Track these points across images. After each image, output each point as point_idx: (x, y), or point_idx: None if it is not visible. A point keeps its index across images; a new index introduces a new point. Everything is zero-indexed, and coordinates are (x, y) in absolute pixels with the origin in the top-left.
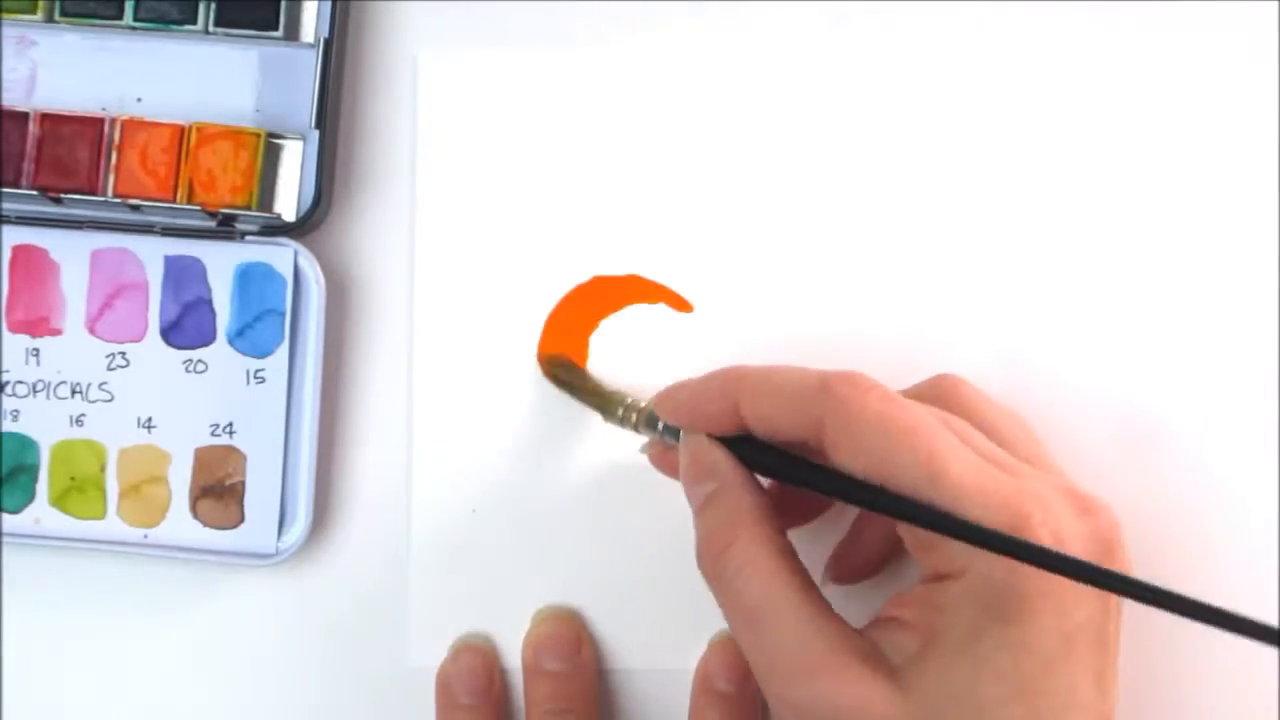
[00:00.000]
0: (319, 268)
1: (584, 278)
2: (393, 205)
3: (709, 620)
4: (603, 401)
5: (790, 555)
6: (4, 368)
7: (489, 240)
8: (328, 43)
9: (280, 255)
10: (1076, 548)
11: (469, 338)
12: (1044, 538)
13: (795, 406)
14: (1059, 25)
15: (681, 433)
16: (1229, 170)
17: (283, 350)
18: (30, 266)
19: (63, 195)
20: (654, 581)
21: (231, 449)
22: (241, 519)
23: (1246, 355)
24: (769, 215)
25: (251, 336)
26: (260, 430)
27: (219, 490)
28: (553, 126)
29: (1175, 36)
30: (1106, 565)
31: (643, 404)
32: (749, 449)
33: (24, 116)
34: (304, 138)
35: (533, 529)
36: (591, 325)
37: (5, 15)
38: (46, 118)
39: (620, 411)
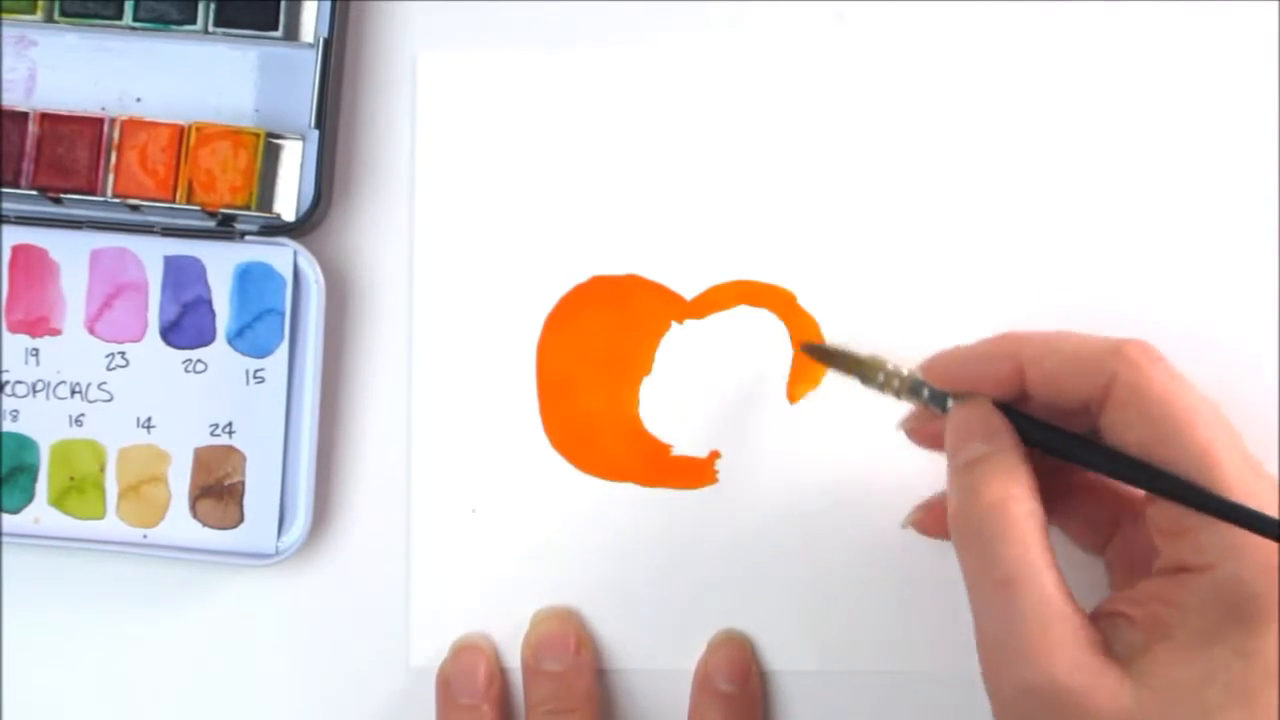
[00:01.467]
0: (318, 268)
1: (583, 278)
2: (392, 205)
3: (709, 620)
4: (862, 368)
5: (1046, 530)
6: (4, 368)
7: (488, 240)
8: (327, 43)
9: (280, 255)
10: None
11: (469, 337)
12: None
13: (1085, 367)
14: (1059, 25)
15: (957, 400)
16: (1229, 170)
17: (282, 350)
18: (30, 266)
19: (62, 195)
20: (654, 582)
21: (231, 449)
22: (241, 519)
23: (1247, 356)
24: (768, 215)
25: (251, 336)
26: (260, 430)
27: (218, 490)
28: (552, 126)
29: (1175, 36)
30: None
31: (905, 370)
32: (1025, 423)
33: (24, 116)
34: (303, 138)
35: (533, 529)
36: (591, 325)
37: (5, 15)
38: (46, 118)
39: (881, 377)
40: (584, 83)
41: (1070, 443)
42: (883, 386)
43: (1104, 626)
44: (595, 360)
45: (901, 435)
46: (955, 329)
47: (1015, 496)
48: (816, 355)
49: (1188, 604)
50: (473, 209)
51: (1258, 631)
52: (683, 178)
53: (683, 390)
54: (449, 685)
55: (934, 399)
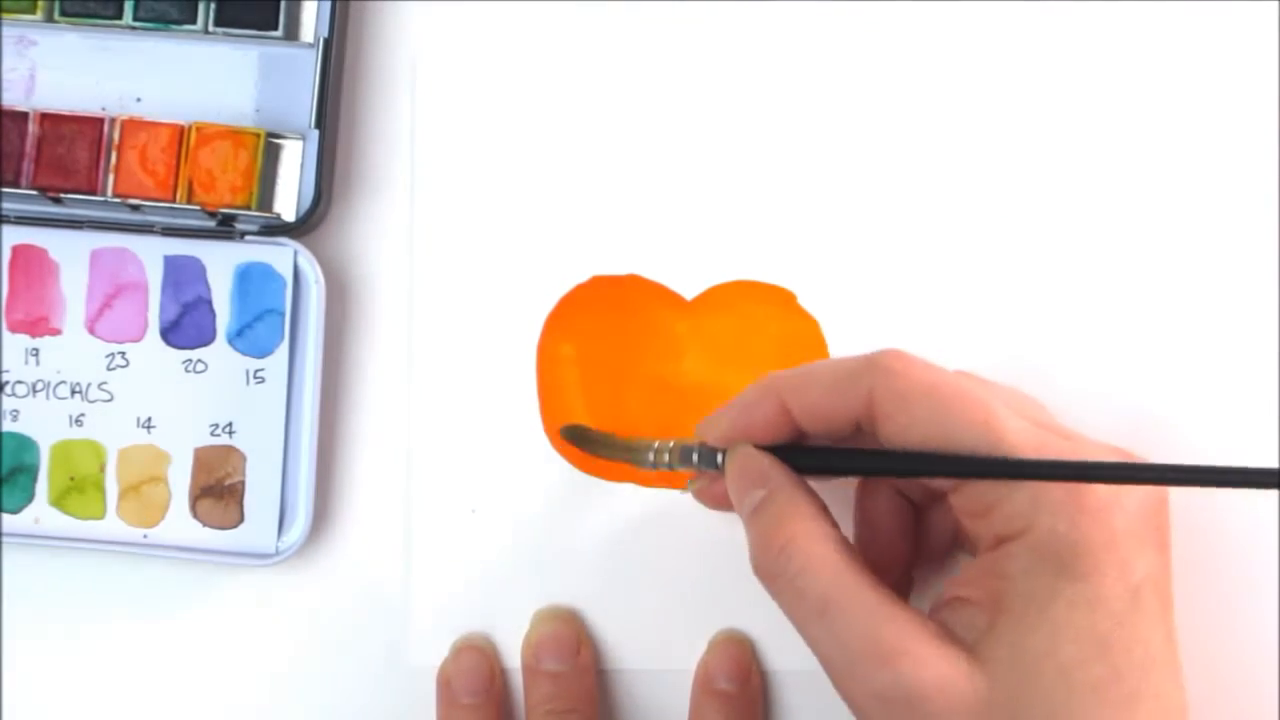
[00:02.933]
0: (319, 267)
1: (583, 278)
2: (392, 205)
3: (709, 620)
4: (632, 452)
5: (849, 547)
6: (4, 368)
7: (488, 240)
8: (327, 43)
9: (280, 255)
10: (1130, 499)
11: (468, 337)
12: (1099, 493)
13: (843, 387)
14: (1059, 25)
15: (727, 450)
16: (1229, 171)
17: (282, 350)
18: (30, 266)
19: (62, 195)
20: (654, 582)
21: (231, 449)
22: (241, 519)
23: (1247, 357)
24: (768, 215)
25: (251, 336)
26: (260, 430)
27: (219, 490)
28: (552, 126)
29: (1175, 36)
30: (1157, 515)
31: (671, 443)
32: (794, 455)
33: (24, 116)
34: (304, 138)
35: (533, 529)
36: (591, 325)
37: (5, 15)
38: (46, 117)
39: (652, 455)
40: (583, 82)
41: (850, 457)
42: (655, 463)
43: (944, 615)
44: (595, 360)
45: (699, 503)
46: (955, 329)
47: (804, 529)
48: (579, 443)
49: (1014, 571)
50: (472, 209)
51: (1089, 578)
52: (683, 178)
53: (682, 391)
54: (450, 685)
55: (703, 460)
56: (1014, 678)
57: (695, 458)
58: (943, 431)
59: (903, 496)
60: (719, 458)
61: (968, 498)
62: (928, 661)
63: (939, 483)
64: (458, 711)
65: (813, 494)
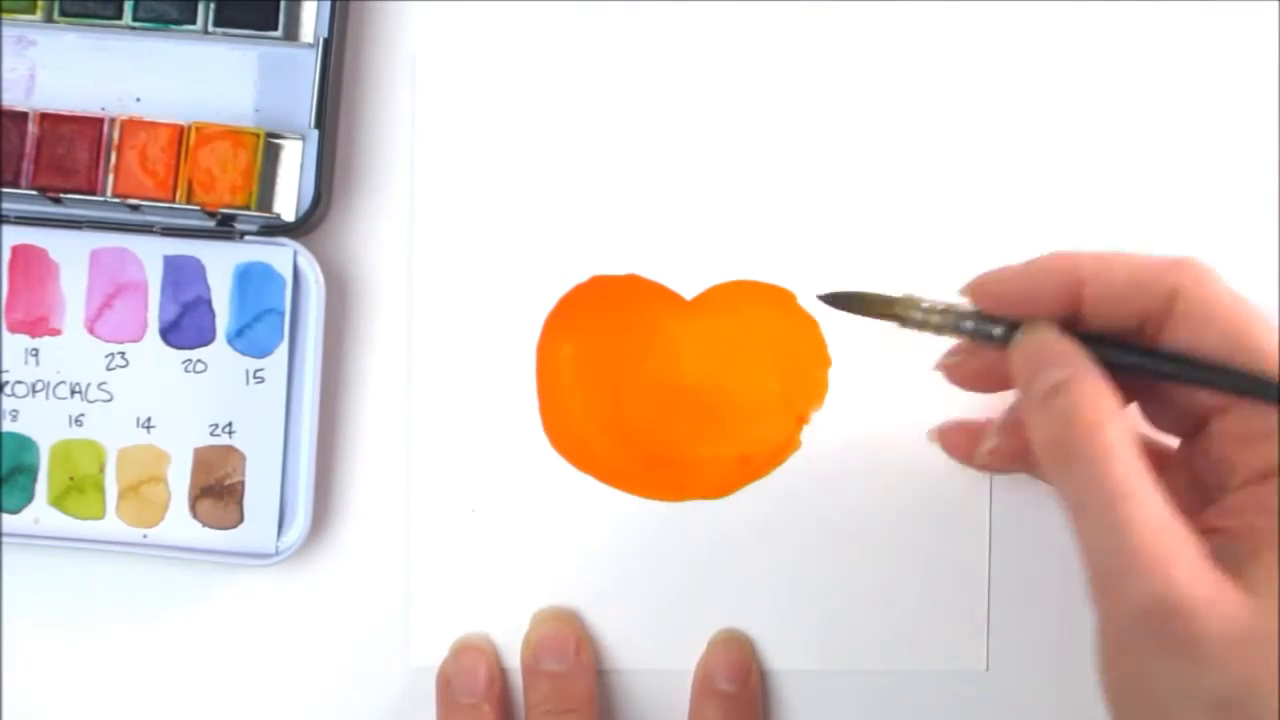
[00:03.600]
0: (318, 267)
1: (583, 278)
2: (392, 205)
3: (709, 620)
4: (897, 308)
5: (1143, 449)
6: (3, 368)
7: (488, 240)
8: (327, 43)
9: (279, 255)
10: None
11: (468, 337)
12: None
13: (1148, 279)
14: (1059, 25)
15: (1023, 325)
16: (1229, 171)
17: (282, 350)
18: (30, 266)
19: (62, 195)
20: (654, 582)
21: (231, 449)
22: (241, 519)
23: None
24: (768, 215)
25: (251, 336)
26: (260, 430)
27: (218, 490)
28: (552, 126)
29: (1175, 36)
30: None
31: (941, 303)
32: (1089, 342)
33: (23, 116)
34: (303, 138)
35: (533, 529)
36: (591, 325)
37: (5, 15)
38: (46, 117)
39: (919, 314)
40: (584, 82)
41: (1141, 356)
42: (921, 324)
43: (1207, 542)
44: (595, 360)
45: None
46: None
47: (1109, 418)
48: (841, 303)
49: None
50: (472, 209)
51: None
52: (683, 178)
53: (682, 391)
54: (449, 685)
55: (979, 331)
56: (1276, 611)
57: (970, 325)
58: (1232, 349)
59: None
60: (997, 330)
61: (1241, 422)
62: (1200, 578)
63: (1212, 403)
64: (457, 711)
65: (1113, 385)
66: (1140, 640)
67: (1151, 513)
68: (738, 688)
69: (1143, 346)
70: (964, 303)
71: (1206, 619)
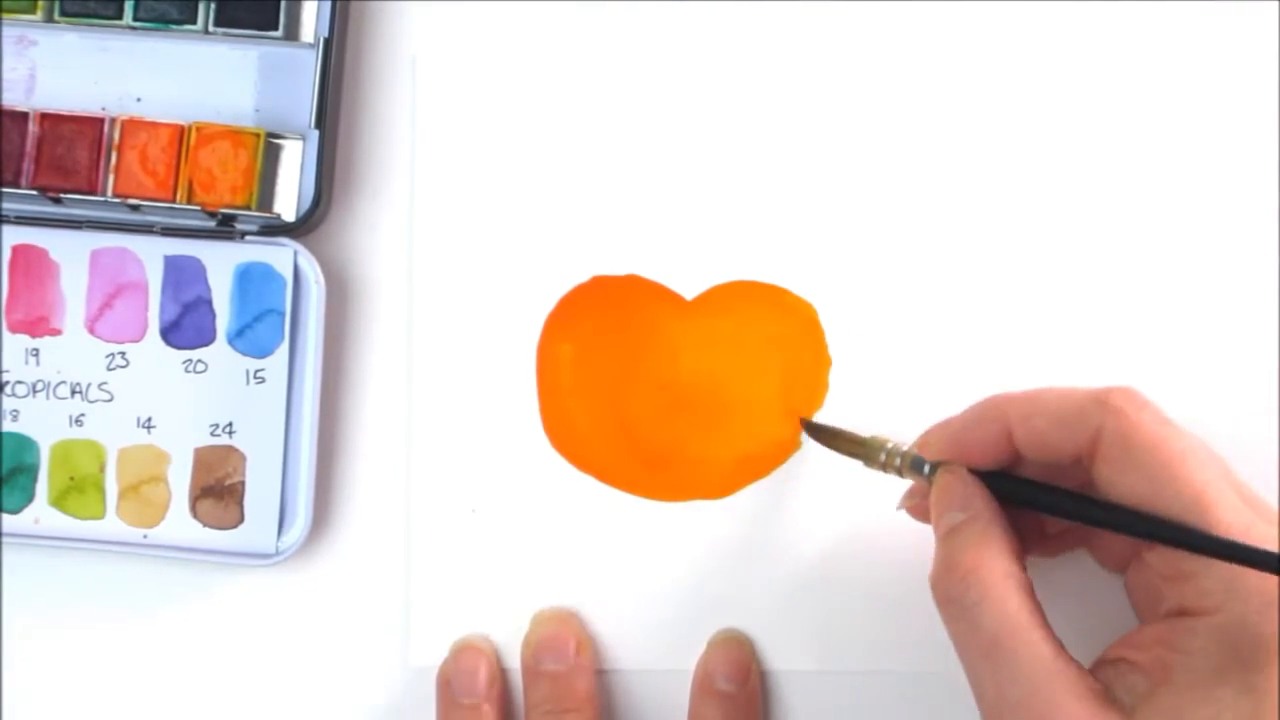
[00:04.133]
0: (318, 268)
1: (583, 278)
2: (392, 205)
3: (708, 620)
4: (864, 449)
5: (1030, 592)
6: (4, 368)
7: (488, 240)
8: (327, 43)
9: (280, 255)
10: None
11: (468, 337)
12: None
13: (1071, 421)
14: (1059, 25)
15: (938, 469)
16: (1229, 171)
17: (282, 350)
18: (30, 266)
19: (62, 195)
20: (653, 581)
21: (231, 449)
22: (241, 519)
23: (1247, 357)
24: (768, 215)
25: (251, 336)
26: (260, 430)
27: (219, 490)
28: (552, 126)
29: (1175, 36)
30: None
31: (904, 447)
32: (1006, 484)
33: (24, 116)
34: (303, 138)
35: (533, 529)
36: (591, 325)
37: (5, 15)
38: (46, 117)
39: (883, 456)
40: (584, 82)
41: (1061, 499)
42: (884, 466)
43: (1106, 674)
44: (595, 360)
45: (904, 514)
46: (956, 329)
47: (990, 563)
48: (818, 436)
49: (1191, 647)
50: (473, 209)
51: (1264, 669)
52: (683, 178)
53: (682, 391)
54: (449, 685)
55: (932, 474)
56: None
57: (926, 469)
58: (1155, 489)
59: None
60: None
61: (1166, 561)
62: (1083, 716)
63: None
64: (457, 711)
65: (1009, 531)
66: None
67: (1025, 661)
68: (737, 688)
69: (1068, 491)
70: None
71: None
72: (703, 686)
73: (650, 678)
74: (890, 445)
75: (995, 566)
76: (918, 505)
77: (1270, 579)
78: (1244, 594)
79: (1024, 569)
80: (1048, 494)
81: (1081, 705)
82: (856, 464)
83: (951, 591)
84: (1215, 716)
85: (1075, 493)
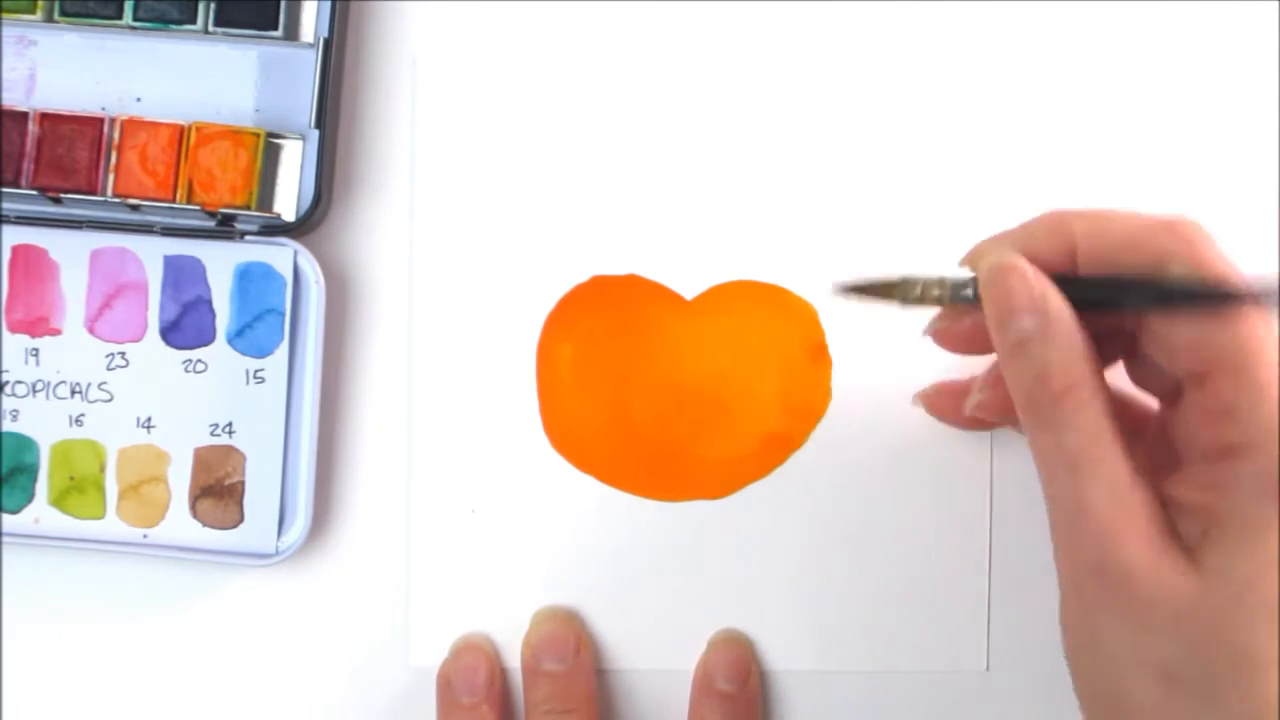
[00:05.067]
0: (318, 267)
1: (583, 278)
2: (392, 205)
3: (708, 620)
4: (896, 288)
5: (1114, 407)
6: (4, 368)
7: (488, 240)
8: (327, 42)
9: (280, 255)
10: None
11: (468, 337)
12: None
13: (1141, 242)
14: (1059, 25)
15: (992, 259)
16: (1229, 171)
17: (282, 350)
18: (30, 266)
19: (62, 195)
20: (654, 581)
21: (231, 449)
22: (241, 519)
23: None
24: (769, 215)
25: (251, 336)
26: (260, 430)
27: (218, 490)
28: (552, 126)
29: (1175, 36)
30: None
31: (938, 276)
32: (1072, 287)
33: (23, 116)
34: (303, 137)
35: (533, 529)
36: (591, 325)
37: (5, 15)
38: (46, 117)
39: (919, 290)
40: (584, 82)
41: (1122, 290)
42: (922, 298)
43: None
44: (595, 360)
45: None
46: None
47: (1083, 374)
48: (854, 293)
49: (1239, 493)
50: (472, 209)
51: None
52: (683, 178)
53: (682, 391)
54: (450, 685)
55: (978, 295)
56: (1221, 594)
57: (971, 291)
58: (1219, 318)
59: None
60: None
61: (1210, 394)
62: (1153, 550)
63: (1189, 367)
64: (457, 711)
65: (1086, 334)
66: (1093, 601)
67: (1107, 481)
68: (736, 688)
69: (1125, 279)
70: (961, 274)
71: (1154, 587)
72: (703, 686)
73: (650, 678)
74: (925, 277)
75: (1091, 378)
76: (948, 329)
77: None
78: None
79: (1105, 379)
80: (1106, 287)
81: (1153, 535)
82: (857, 465)
83: (1043, 401)
84: (1266, 566)
85: (1154, 279)
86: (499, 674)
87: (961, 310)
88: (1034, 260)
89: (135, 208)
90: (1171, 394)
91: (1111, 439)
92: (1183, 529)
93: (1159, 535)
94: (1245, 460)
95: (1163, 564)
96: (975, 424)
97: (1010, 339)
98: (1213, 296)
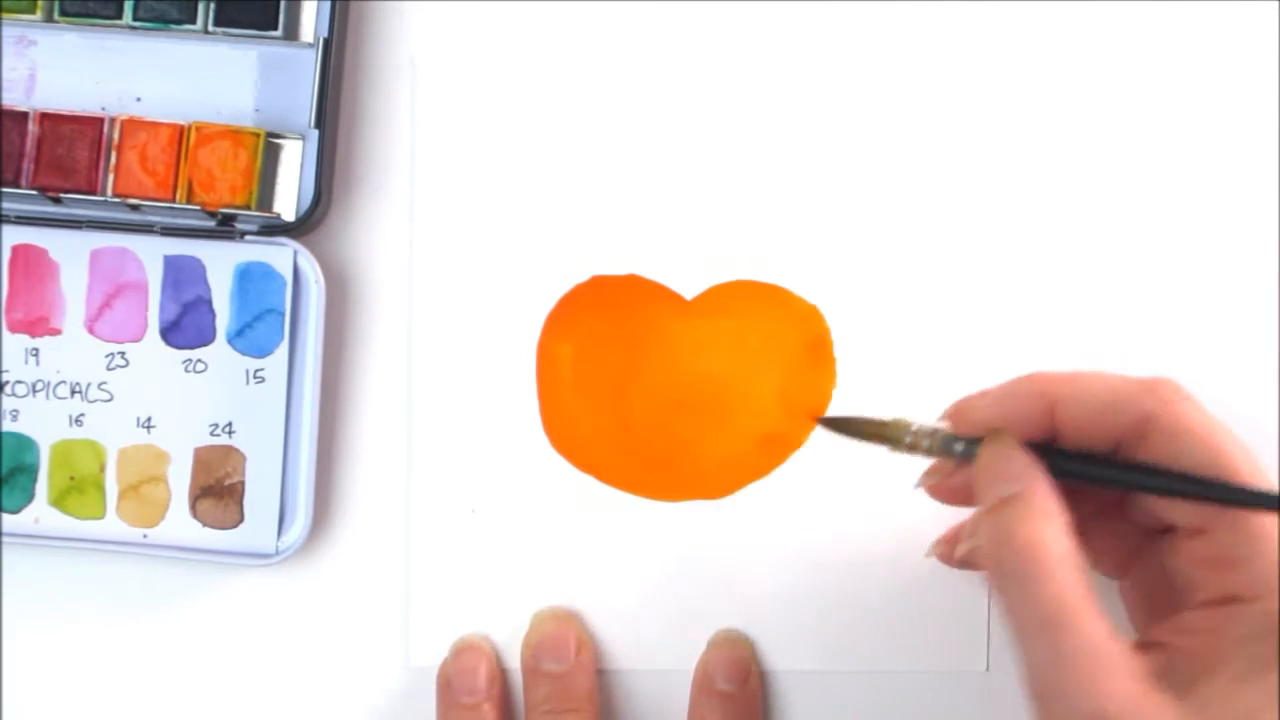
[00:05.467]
0: (318, 267)
1: (583, 278)
2: (392, 205)
3: (708, 620)
4: (888, 431)
5: (1085, 570)
6: (3, 368)
7: (488, 240)
8: (327, 42)
9: (279, 255)
10: None
11: (468, 337)
12: None
13: (1121, 405)
14: (1059, 25)
15: (985, 439)
16: (1229, 171)
17: (282, 350)
18: (30, 266)
19: (62, 195)
20: (654, 582)
21: (231, 449)
22: (241, 519)
23: (1248, 356)
24: (769, 215)
25: (251, 336)
26: (260, 430)
27: (218, 490)
28: (552, 126)
29: (1175, 36)
30: None
31: (932, 425)
32: (1056, 457)
33: (23, 116)
34: (303, 137)
35: (533, 529)
36: (591, 325)
37: (5, 15)
38: (46, 117)
39: (909, 438)
40: (584, 82)
41: (1110, 468)
42: (911, 447)
43: (1152, 657)
44: (595, 360)
45: (921, 493)
46: (958, 329)
47: (1050, 536)
48: (836, 428)
49: (1240, 634)
50: (472, 208)
51: None
52: (683, 178)
53: (682, 391)
54: (450, 685)
55: (966, 452)
56: None
57: (959, 448)
58: (1213, 468)
59: (1123, 532)
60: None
61: (1210, 545)
62: (1135, 699)
63: (1185, 521)
64: (457, 711)
65: (1063, 506)
66: None
67: (1081, 639)
68: (737, 688)
69: (1117, 460)
70: (948, 425)
71: None
72: (702, 686)
73: (650, 677)
74: (917, 426)
75: (1054, 542)
76: (940, 485)
77: None
78: None
79: (1077, 547)
80: (1101, 466)
81: (1134, 686)
82: (857, 465)
83: (1008, 565)
84: (1266, 700)
85: (1134, 462)
86: (499, 674)
87: (952, 466)
88: (1012, 421)
89: (135, 208)
90: (1138, 551)
91: (1083, 602)
92: (1175, 673)
93: (1141, 686)
94: (1245, 607)
95: (1156, 709)
96: (962, 566)
97: (989, 501)
98: (1202, 492)
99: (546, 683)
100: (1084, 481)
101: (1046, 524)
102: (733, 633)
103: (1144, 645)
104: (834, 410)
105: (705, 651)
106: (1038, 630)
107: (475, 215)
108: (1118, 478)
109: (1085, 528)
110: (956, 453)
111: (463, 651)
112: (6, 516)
